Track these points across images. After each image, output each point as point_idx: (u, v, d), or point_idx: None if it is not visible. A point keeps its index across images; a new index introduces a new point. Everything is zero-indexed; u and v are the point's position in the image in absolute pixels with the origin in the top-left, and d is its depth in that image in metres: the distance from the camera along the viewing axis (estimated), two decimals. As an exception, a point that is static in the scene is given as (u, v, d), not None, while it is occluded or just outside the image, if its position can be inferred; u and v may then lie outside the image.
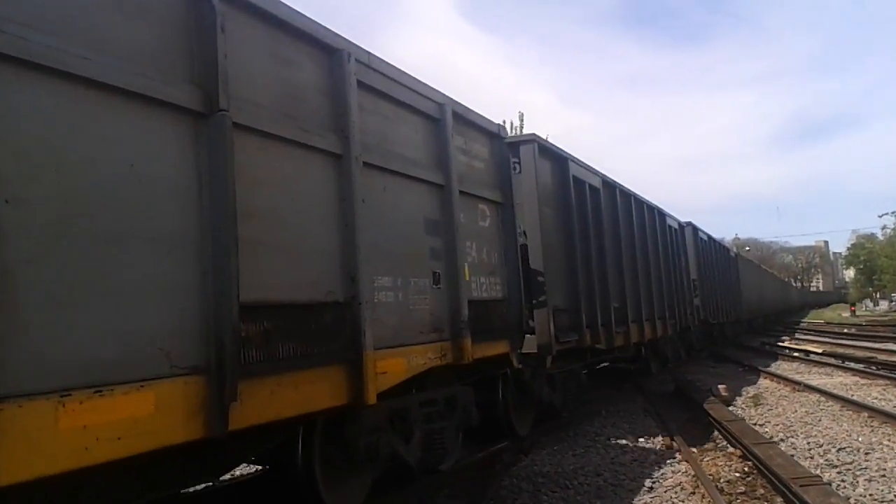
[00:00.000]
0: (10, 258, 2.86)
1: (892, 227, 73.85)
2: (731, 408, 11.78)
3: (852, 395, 12.60)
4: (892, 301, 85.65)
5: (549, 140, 9.95)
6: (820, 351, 22.46)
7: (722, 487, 7.04)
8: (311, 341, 4.54)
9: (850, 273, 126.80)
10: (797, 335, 34.15)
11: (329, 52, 5.04)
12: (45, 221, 3.01)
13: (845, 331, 36.16)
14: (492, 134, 7.72)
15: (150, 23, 3.62)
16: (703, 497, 6.77)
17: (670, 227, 17.39)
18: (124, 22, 3.47)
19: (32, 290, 2.93)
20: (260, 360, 4.11)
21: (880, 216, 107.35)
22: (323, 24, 4.92)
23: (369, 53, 5.48)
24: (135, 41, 3.51)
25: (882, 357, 19.57)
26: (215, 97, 3.84)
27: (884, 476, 7.17)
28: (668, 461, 8.33)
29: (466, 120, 7.12)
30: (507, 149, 8.07)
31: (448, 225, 6.38)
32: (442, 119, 6.49)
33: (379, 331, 5.22)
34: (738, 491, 6.91)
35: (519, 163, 8.88)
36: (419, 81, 6.20)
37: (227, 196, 3.81)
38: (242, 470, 7.55)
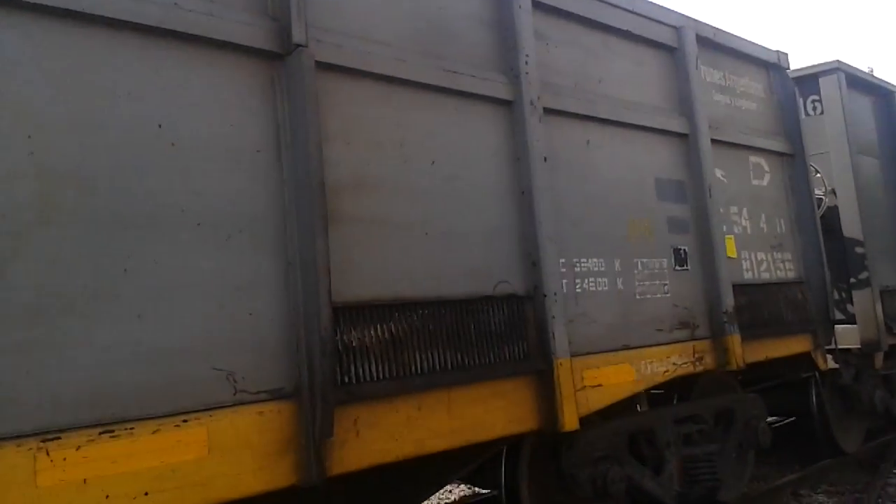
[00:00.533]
0: (-48, 255, 2.16)
1: None
2: None
3: None
4: None
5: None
6: None
7: None
8: (470, 348, 3.42)
9: None
10: None
11: (486, -34, 3.86)
12: (11, 205, 2.28)
13: None
14: (767, 64, 5.87)
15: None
16: None
17: None
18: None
19: (-8, 297, 2.22)
20: (386, 377, 3.09)
21: None
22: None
23: (552, -36, 4.17)
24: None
25: None
26: (288, 29, 2.90)
27: None
28: None
29: (723, 48, 5.42)
30: (793, 84, 6.16)
31: (697, 186, 4.80)
32: (680, 48, 4.93)
33: (585, 330, 3.92)
34: None
35: (819, 100, 6.87)
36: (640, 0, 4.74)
37: (309, 160, 2.84)
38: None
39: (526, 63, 3.79)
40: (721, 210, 4.96)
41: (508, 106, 3.74)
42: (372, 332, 3.06)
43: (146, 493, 2.38)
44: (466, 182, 3.53)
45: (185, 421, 2.49)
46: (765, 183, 5.60)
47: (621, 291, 4.21)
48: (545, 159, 3.76)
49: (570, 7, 4.21)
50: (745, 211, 5.30)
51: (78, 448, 2.27)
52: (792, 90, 6.06)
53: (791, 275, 5.64)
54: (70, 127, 2.40)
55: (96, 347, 2.36)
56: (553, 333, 3.63)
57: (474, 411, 3.37)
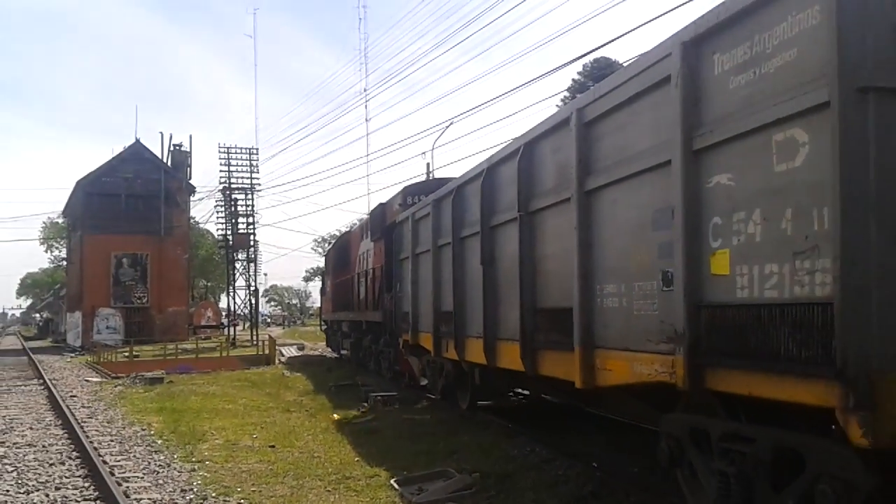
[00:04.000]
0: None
1: None
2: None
3: None
4: None
5: None
6: None
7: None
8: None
9: None
10: None
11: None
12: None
13: None
14: None
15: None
16: None
17: None
18: None
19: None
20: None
21: None
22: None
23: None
24: None
25: None
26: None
27: None
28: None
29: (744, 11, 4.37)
30: None
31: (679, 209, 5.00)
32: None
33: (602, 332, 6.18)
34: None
35: None
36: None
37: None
38: None
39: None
40: (719, 221, 4.76)
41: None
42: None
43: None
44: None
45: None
46: (797, 163, 4.05)
47: (625, 307, 5.82)
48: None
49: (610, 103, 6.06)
50: (757, 213, 4.38)
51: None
52: None
53: (819, 292, 3.85)
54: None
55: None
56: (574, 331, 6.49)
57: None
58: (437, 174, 28.03)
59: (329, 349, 29.55)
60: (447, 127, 35.43)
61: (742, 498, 5.03)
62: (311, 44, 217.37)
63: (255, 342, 37.14)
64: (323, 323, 31.91)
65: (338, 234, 46.09)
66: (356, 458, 9.32)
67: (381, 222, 17.37)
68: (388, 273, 15.30)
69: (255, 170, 45.96)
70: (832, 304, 3.80)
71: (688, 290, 4.97)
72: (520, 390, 12.10)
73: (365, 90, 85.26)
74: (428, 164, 34.06)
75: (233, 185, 45.54)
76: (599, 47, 45.45)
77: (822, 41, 3.87)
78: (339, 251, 24.87)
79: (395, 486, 7.72)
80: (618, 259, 6.04)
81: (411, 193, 15.66)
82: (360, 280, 19.94)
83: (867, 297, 3.71)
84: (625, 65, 7.79)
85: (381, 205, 18.22)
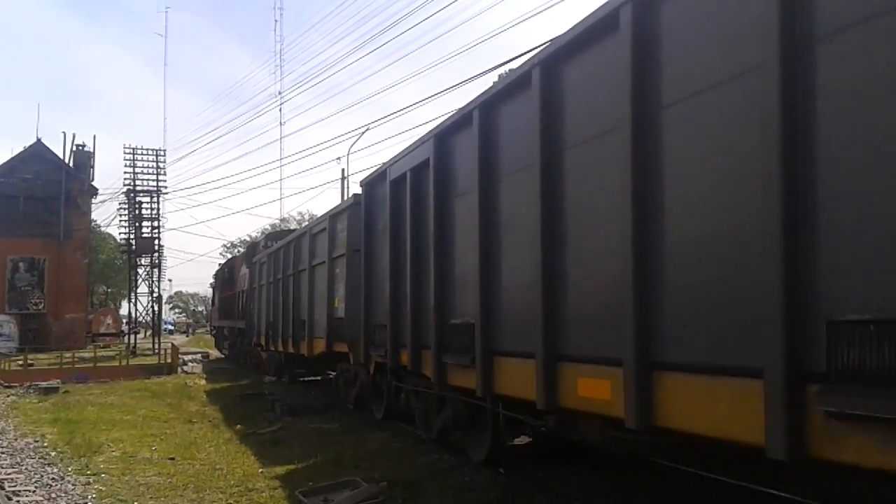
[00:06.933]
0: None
1: None
2: None
3: None
4: None
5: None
6: None
7: None
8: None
9: None
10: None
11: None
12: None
13: None
14: (350, 206, 13.38)
15: None
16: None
17: None
18: None
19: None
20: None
21: None
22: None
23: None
24: None
25: None
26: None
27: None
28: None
29: (340, 212, 14.09)
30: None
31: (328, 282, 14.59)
32: (329, 229, 14.69)
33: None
34: None
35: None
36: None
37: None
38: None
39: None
40: (336, 287, 14.29)
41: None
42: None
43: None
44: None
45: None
46: (345, 270, 13.61)
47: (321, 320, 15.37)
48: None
49: (317, 229, 15.63)
50: (342, 284, 13.95)
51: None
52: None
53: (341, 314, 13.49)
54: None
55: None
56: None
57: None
58: (353, 179, 33.68)
59: (220, 353, 38.18)
60: (363, 132, 39.33)
61: (350, 386, 14.82)
62: (226, 44, 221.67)
63: (156, 351, 38.52)
64: (213, 329, 41.80)
65: (248, 239, 49.74)
66: (260, 470, 9.70)
67: (253, 255, 26.60)
68: (252, 294, 24.64)
69: (162, 172, 47.74)
70: (345, 318, 13.46)
71: (329, 312, 14.45)
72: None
73: (280, 93, 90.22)
74: (343, 170, 38.72)
75: (138, 188, 46.89)
76: (521, 55, 52.05)
77: (345, 233, 13.51)
78: (227, 272, 34.35)
79: (301, 497, 7.99)
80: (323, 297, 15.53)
81: (271, 238, 25.08)
82: (239, 296, 29.06)
83: (357, 315, 13.00)
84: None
85: (253, 242, 27.85)
